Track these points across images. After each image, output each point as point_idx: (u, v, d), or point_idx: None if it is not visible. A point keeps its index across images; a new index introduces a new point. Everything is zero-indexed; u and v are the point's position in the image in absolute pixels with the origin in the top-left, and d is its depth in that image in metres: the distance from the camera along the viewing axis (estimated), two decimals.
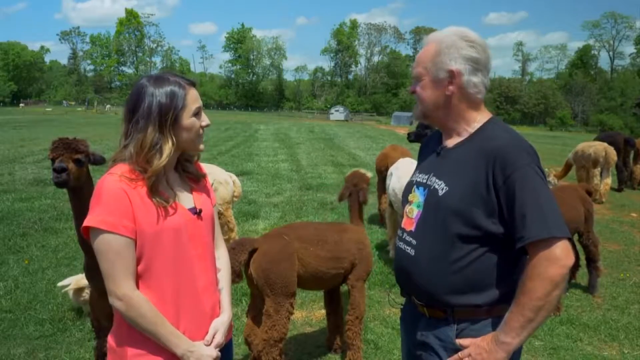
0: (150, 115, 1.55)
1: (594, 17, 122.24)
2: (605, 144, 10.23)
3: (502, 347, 1.52)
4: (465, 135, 1.70)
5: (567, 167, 10.50)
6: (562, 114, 66.06)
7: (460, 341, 1.62)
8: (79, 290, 4.08)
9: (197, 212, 1.69)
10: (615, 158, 10.23)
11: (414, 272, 1.70)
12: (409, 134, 6.37)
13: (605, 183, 10.09)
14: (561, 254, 1.46)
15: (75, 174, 2.72)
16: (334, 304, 3.69)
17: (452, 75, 1.64)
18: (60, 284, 4.21)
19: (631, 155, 11.87)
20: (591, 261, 5.05)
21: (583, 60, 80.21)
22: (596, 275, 5.10)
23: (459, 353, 1.61)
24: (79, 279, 4.10)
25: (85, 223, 1.53)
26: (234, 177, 5.70)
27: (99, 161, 2.84)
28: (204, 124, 1.66)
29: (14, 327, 3.97)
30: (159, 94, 1.56)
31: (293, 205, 8.82)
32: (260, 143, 20.89)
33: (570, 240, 1.50)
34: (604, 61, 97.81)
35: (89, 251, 2.91)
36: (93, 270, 2.93)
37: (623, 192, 11.32)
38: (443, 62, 1.64)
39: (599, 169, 10.00)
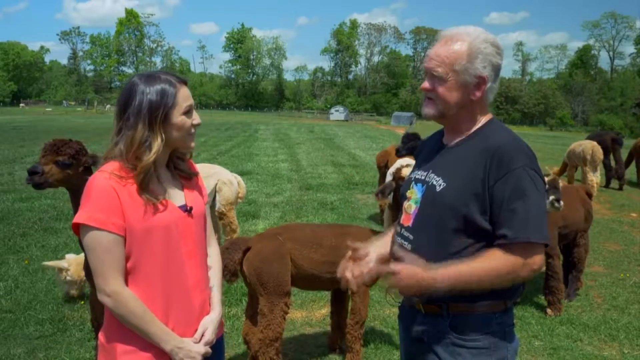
0: (141, 113, 1.56)
1: (594, 17, 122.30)
2: (594, 143, 10.53)
3: (429, 285, 1.53)
4: (466, 134, 1.72)
5: (564, 166, 11.02)
6: (562, 114, 66.08)
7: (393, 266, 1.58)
8: (60, 270, 4.34)
9: (187, 209, 1.70)
10: (602, 156, 10.45)
11: None
12: (397, 150, 5.90)
13: (594, 178, 10.28)
14: (536, 259, 1.56)
15: (56, 176, 2.71)
16: (339, 304, 3.66)
17: (482, 82, 1.65)
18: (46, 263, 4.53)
19: (620, 154, 12.03)
20: (575, 269, 4.93)
21: (583, 60, 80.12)
22: (576, 286, 4.99)
23: (392, 264, 1.57)
24: (62, 261, 4.38)
25: (75, 220, 1.55)
26: (239, 178, 5.72)
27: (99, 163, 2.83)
28: (194, 122, 1.67)
29: (14, 327, 3.97)
30: (149, 91, 1.57)
31: (293, 205, 8.82)
32: (260, 143, 20.89)
33: (547, 246, 1.60)
34: (604, 61, 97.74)
35: None
36: None
37: (623, 192, 11.38)
38: (476, 67, 1.62)
39: (589, 166, 10.24)
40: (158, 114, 1.57)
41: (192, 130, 1.67)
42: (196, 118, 1.68)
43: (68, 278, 4.34)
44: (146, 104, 1.56)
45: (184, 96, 1.63)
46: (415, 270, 1.54)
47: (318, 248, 3.23)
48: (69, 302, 4.44)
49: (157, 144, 1.58)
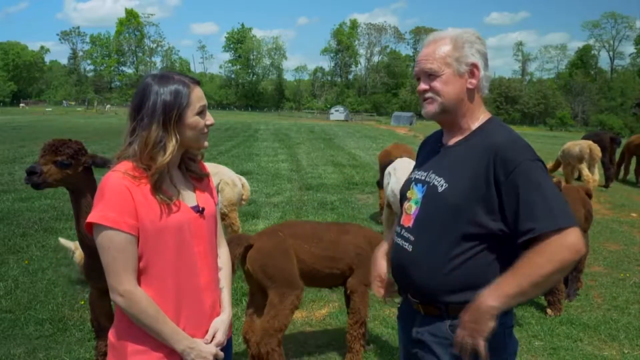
0: (155, 113, 1.57)
1: (594, 17, 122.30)
2: (590, 142, 10.61)
3: (490, 312, 1.48)
4: (466, 133, 1.72)
5: (557, 164, 11.20)
6: (562, 114, 66.02)
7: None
8: (69, 250, 4.55)
9: (199, 210, 1.70)
10: (600, 155, 10.55)
11: (411, 267, 1.71)
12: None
13: (593, 179, 10.34)
14: (575, 239, 1.46)
15: (55, 176, 2.70)
16: None
17: (475, 68, 1.68)
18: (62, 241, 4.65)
19: (614, 154, 12.22)
20: (575, 269, 4.89)
21: (583, 60, 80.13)
22: (576, 286, 4.97)
23: (455, 337, 1.55)
24: (71, 243, 4.53)
25: (89, 219, 1.54)
26: (244, 179, 5.71)
27: (99, 164, 2.82)
28: (208, 122, 1.68)
29: (14, 327, 3.96)
30: (163, 92, 1.58)
31: (293, 205, 8.82)
32: (260, 143, 20.89)
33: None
34: (604, 61, 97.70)
35: (89, 252, 2.91)
36: (93, 271, 2.93)
37: (623, 192, 11.39)
38: (465, 55, 1.66)
39: (585, 164, 10.33)
40: (172, 115, 1.58)
41: (206, 130, 1.68)
42: (209, 118, 1.69)
43: (74, 259, 4.55)
44: (160, 105, 1.57)
45: (198, 96, 1.64)
46: (475, 318, 1.50)
47: (318, 242, 3.26)
48: (69, 302, 4.44)
49: (172, 145, 1.59)
